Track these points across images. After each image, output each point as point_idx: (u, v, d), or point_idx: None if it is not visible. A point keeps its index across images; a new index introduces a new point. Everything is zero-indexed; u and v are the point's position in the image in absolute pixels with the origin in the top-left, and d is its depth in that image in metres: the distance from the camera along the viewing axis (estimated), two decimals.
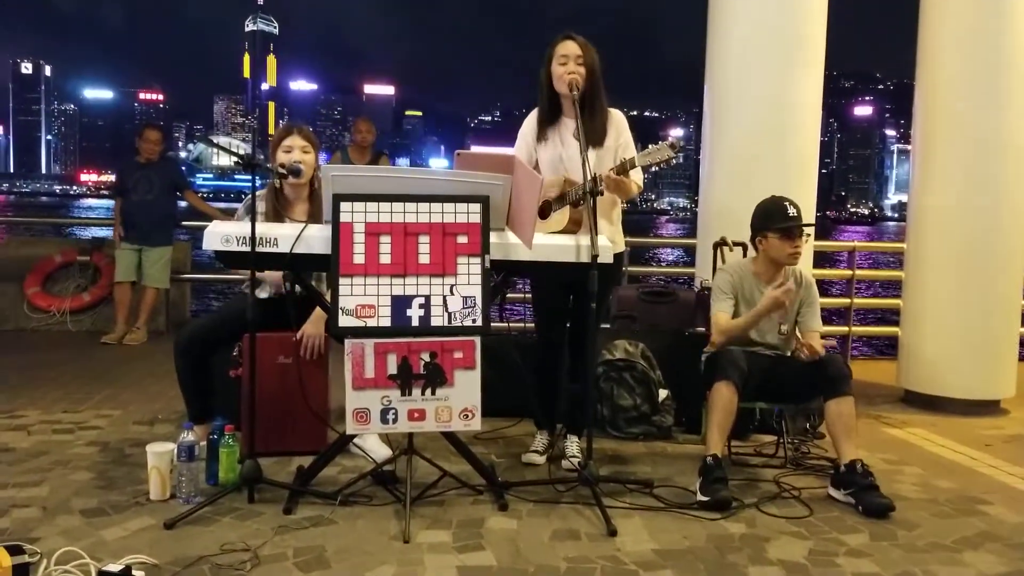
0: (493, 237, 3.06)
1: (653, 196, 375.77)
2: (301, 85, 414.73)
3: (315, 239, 3.03)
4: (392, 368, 2.97)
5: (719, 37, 5.09)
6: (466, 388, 3.02)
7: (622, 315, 4.62)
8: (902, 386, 5.48)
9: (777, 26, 4.87)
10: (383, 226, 2.98)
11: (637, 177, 3.34)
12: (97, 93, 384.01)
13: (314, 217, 3.61)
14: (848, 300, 7.12)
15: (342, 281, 2.94)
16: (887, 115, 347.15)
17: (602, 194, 3.21)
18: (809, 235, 3.79)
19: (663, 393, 4.28)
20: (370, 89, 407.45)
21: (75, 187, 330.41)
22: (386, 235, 2.98)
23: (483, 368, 3.01)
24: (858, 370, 6.33)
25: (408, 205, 3.01)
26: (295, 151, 3.66)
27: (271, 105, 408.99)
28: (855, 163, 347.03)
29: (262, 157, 3.32)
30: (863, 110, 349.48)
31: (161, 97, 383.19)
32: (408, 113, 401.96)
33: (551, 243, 3.17)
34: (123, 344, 6.61)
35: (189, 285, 7.70)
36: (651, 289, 4.79)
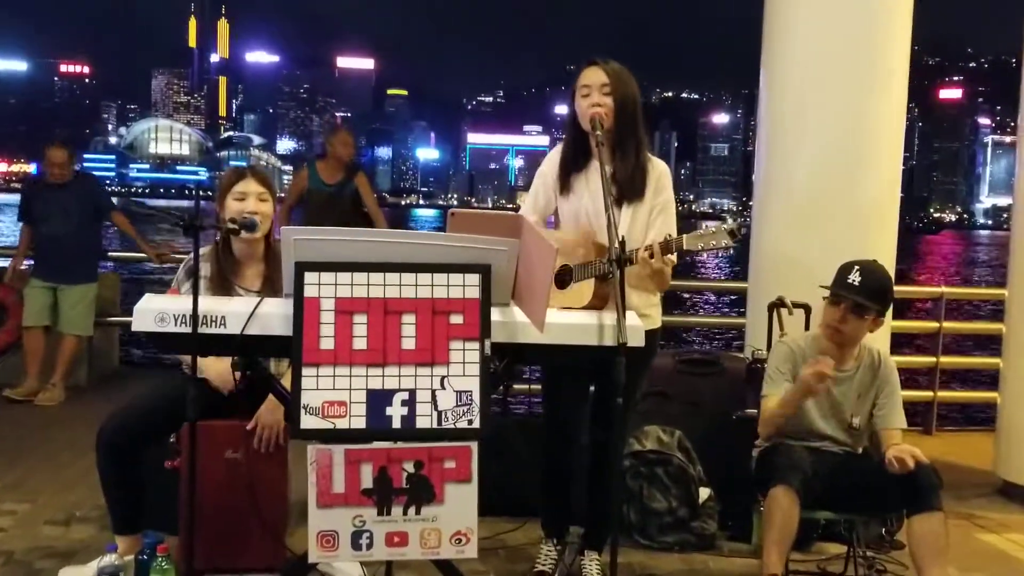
0: (495, 314, 3.03)
1: (692, 196, 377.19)
2: (259, 57, 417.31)
3: (273, 317, 2.99)
4: (367, 481, 2.92)
5: (778, 38, 5.07)
6: (460, 506, 2.97)
7: (654, 392, 4.59)
8: (999, 475, 5.43)
9: (852, 15, 4.83)
10: (358, 302, 2.94)
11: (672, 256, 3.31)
12: (8, 64, 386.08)
13: (271, 282, 3.59)
14: (933, 359, 7.10)
15: (306, 372, 2.90)
16: (980, 99, 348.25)
17: (631, 263, 3.19)
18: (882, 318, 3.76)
19: (704, 493, 4.26)
20: (344, 63, 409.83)
21: None
22: (361, 314, 2.94)
23: (479, 455, 2.94)
24: (945, 448, 6.37)
25: (389, 276, 2.97)
26: (250, 199, 3.63)
27: (222, 81, 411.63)
28: (940, 158, 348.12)
29: (206, 216, 3.30)
30: (950, 93, 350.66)
31: (87, 70, 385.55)
32: (391, 92, 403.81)
33: (567, 322, 3.13)
34: (34, 404, 6.58)
35: (118, 330, 7.69)
36: (690, 357, 4.76)
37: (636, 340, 3.12)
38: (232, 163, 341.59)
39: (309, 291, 2.94)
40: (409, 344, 2.95)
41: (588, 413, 3.77)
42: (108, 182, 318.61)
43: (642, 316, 3.44)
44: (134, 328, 2.99)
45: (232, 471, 3.60)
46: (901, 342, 6.84)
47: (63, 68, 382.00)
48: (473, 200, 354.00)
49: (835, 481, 3.62)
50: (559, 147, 3.75)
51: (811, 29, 4.92)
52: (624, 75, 3.53)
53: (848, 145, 4.84)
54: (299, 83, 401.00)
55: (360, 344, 2.93)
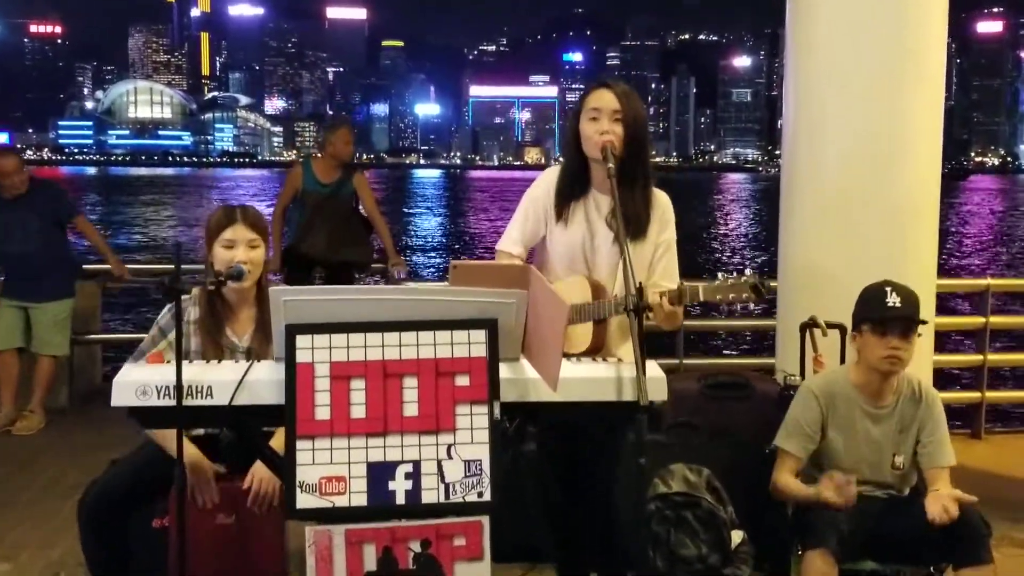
0: (504, 370, 2.99)
1: (713, 147, 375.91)
2: (243, 10, 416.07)
3: (263, 385, 2.95)
4: (370, 563, 2.90)
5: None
6: None
7: (679, 423, 4.53)
8: None
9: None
10: (355, 366, 2.90)
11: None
12: None
13: (264, 328, 3.55)
14: (980, 357, 7.04)
15: (300, 445, 2.87)
16: (1022, 32, 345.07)
17: (649, 311, 3.13)
18: (920, 334, 3.73)
19: (737, 536, 4.22)
20: (334, 13, 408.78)
21: None
22: (359, 379, 2.90)
23: None
24: (995, 453, 6.33)
25: (388, 336, 2.93)
26: (239, 247, 3.57)
27: (204, 37, 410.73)
28: (980, 97, 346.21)
29: (191, 275, 3.26)
30: (990, 26, 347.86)
31: (59, 30, 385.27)
32: (386, 44, 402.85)
33: (583, 376, 3.07)
34: (11, 435, 6.57)
35: (100, 347, 7.68)
36: (717, 381, 4.69)
37: (659, 394, 3.07)
38: (218, 125, 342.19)
39: (301, 356, 2.90)
40: (411, 410, 2.91)
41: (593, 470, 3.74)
42: (86, 151, 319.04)
43: None
44: (114, 403, 2.97)
45: (224, 536, 3.58)
46: (944, 339, 6.76)
47: (33, 29, 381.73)
48: (477, 158, 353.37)
49: (878, 530, 3.62)
50: (553, 170, 3.65)
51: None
52: (633, 98, 3.45)
53: (882, 138, 4.77)
54: (286, 37, 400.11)
55: (358, 412, 2.89)
